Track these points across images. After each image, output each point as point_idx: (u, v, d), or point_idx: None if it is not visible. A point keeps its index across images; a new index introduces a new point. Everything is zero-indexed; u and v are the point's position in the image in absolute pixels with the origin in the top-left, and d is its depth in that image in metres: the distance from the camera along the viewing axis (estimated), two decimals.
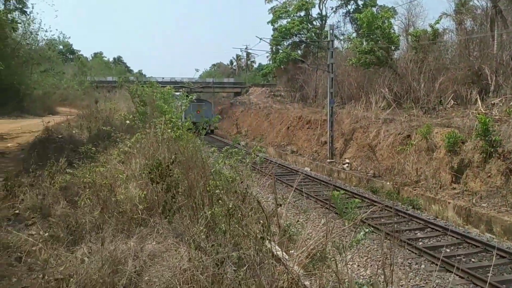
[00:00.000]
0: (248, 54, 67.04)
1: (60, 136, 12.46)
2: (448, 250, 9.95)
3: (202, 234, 4.62)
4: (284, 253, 4.34)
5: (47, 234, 5.10)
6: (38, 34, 29.06)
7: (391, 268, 3.78)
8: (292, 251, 4.79)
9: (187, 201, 5.76)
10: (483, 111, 16.29)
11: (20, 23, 26.37)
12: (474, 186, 13.08)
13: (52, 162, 7.94)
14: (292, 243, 5.11)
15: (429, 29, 24.37)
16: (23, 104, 24.84)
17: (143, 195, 5.85)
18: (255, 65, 75.84)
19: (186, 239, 4.66)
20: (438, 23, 24.42)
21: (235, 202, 5.18)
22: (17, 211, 6.27)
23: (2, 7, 24.86)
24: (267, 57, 52.47)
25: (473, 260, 9.45)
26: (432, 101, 20.41)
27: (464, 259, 9.44)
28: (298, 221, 11.26)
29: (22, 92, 25.32)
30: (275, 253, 4.17)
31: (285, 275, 3.86)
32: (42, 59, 30.29)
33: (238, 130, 39.92)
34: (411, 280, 8.52)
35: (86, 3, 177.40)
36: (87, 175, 6.64)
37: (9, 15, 24.60)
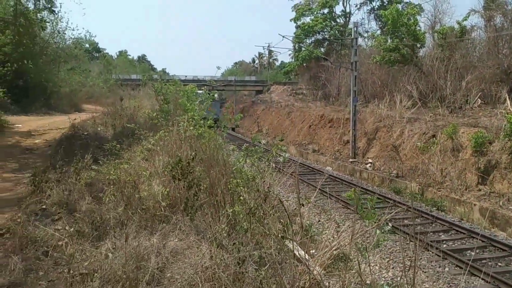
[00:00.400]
0: (270, 52, 67.06)
1: (85, 133, 12.69)
2: (473, 253, 9.72)
3: (223, 232, 4.63)
4: (305, 254, 4.31)
5: (72, 229, 5.21)
6: (65, 33, 29.69)
7: (415, 270, 3.70)
8: (313, 251, 4.76)
9: (208, 198, 5.79)
10: None
11: (48, 22, 27.00)
12: (501, 188, 12.72)
13: (78, 159, 8.11)
14: (314, 243, 5.08)
15: (456, 26, 23.77)
16: (50, 102, 25.40)
17: (165, 192, 5.91)
18: (277, 63, 75.75)
19: (208, 236, 4.69)
20: (466, 19, 23.79)
21: (257, 201, 5.17)
22: (44, 206, 6.42)
23: (32, 6, 25.54)
24: (290, 55, 52.41)
25: (500, 264, 9.20)
26: (459, 100, 19.92)
27: (490, 263, 9.21)
28: (319, 221, 11.21)
29: (50, 90, 25.88)
30: (296, 253, 4.14)
31: (306, 275, 3.83)
32: (69, 58, 30.93)
33: (259, 128, 39.94)
34: (434, 283, 8.36)
35: (113, 1, 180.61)
36: (112, 172, 6.73)
37: (38, 14, 25.24)
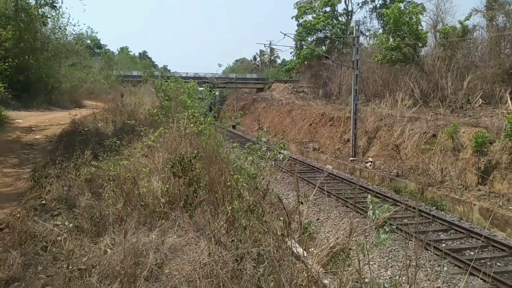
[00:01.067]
0: (271, 49, 66.79)
1: (86, 129, 12.69)
2: (472, 253, 9.72)
3: (222, 229, 4.63)
4: (304, 251, 4.31)
5: (72, 225, 5.21)
6: (66, 29, 29.62)
7: (416, 269, 3.71)
8: (312, 249, 4.76)
9: (208, 195, 5.79)
10: None
11: (49, 18, 26.90)
12: (501, 188, 12.72)
13: (78, 154, 8.10)
14: (312, 241, 5.08)
15: (458, 25, 23.75)
16: (51, 97, 25.35)
17: (165, 189, 5.91)
18: (279, 61, 75.59)
19: (206, 233, 4.69)
20: (468, 19, 23.77)
21: (256, 198, 5.17)
22: (43, 202, 6.42)
23: (34, 2, 25.46)
24: (291, 53, 52.33)
25: (498, 264, 9.21)
26: (460, 99, 19.90)
27: (489, 263, 9.22)
28: (318, 219, 11.22)
29: (51, 85, 25.83)
30: (294, 250, 4.14)
31: (304, 273, 3.83)
32: (70, 53, 30.86)
33: (260, 126, 39.91)
34: (433, 282, 8.36)
35: None
36: (112, 168, 6.74)
37: (39, 10, 25.16)
